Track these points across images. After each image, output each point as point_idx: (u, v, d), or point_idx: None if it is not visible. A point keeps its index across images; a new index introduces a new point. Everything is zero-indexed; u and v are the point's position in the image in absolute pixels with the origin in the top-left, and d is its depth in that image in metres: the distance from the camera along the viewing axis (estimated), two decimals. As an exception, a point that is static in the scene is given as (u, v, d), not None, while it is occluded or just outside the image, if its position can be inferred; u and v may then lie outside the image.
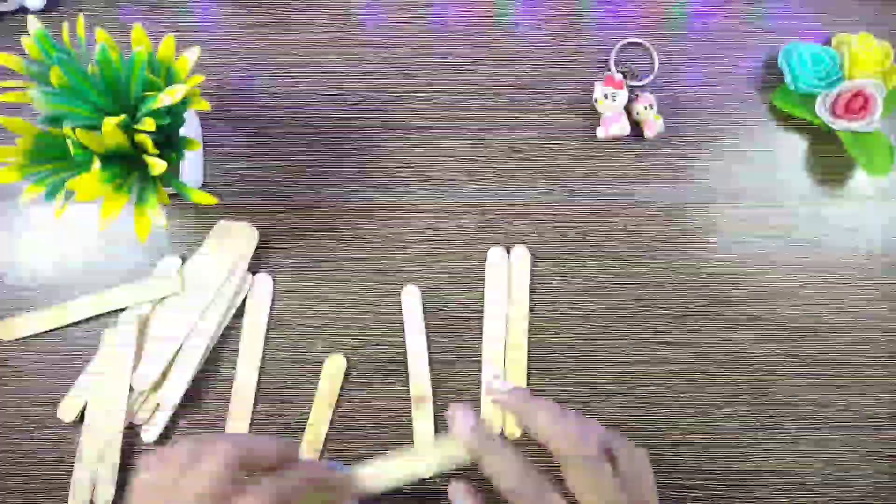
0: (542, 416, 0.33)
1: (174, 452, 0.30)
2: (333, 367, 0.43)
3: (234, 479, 0.28)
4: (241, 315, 0.44)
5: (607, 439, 0.33)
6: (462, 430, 0.34)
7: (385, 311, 0.44)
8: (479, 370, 0.44)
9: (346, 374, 0.44)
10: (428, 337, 0.44)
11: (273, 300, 0.44)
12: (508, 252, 0.45)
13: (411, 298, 0.44)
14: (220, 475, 0.28)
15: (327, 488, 0.33)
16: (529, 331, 0.44)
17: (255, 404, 0.44)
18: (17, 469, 0.43)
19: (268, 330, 0.44)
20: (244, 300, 0.44)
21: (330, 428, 0.43)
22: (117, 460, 0.42)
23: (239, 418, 0.43)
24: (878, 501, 0.44)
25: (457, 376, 0.44)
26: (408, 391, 0.44)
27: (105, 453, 0.42)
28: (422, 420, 0.43)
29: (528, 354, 0.44)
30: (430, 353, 0.44)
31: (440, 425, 0.43)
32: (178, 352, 0.43)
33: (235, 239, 0.44)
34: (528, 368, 0.44)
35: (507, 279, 0.44)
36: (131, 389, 0.42)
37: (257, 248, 0.44)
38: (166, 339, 0.43)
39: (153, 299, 0.44)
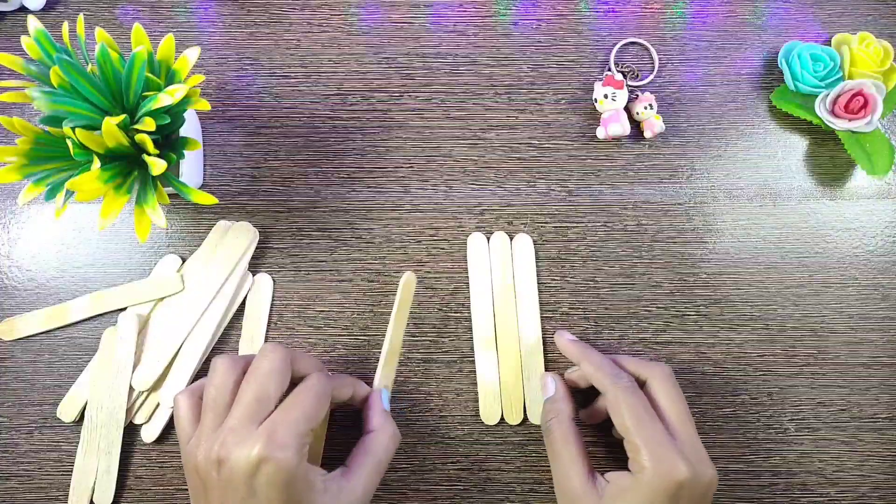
0: (586, 363, 0.40)
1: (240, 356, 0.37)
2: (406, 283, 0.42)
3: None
4: (242, 315, 0.44)
5: (639, 371, 0.39)
6: (563, 342, 0.42)
7: (385, 310, 0.44)
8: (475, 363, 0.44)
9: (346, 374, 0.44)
10: (428, 336, 0.44)
11: (273, 300, 0.44)
12: (511, 239, 0.45)
13: (407, 284, 0.42)
14: (280, 370, 0.34)
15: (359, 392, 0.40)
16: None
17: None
18: (17, 469, 0.43)
19: (267, 330, 0.44)
20: (244, 300, 0.44)
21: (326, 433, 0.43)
22: (117, 460, 0.42)
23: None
24: (878, 501, 0.44)
25: (456, 375, 0.44)
26: (409, 391, 0.44)
27: (105, 453, 0.42)
28: (486, 364, 0.44)
29: (544, 346, 0.44)
30: (429, 353, 0.44)
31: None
32: (178, 352, 0.43)
33: (235, 238, 0.44)
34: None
35: (491, 264, 0.44)
36: (131, 389, 0.42)
37: (257, 247, 0.44)
38: (166, 339, 0.43)
39: (154, 299, 0.44)
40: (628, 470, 0.36)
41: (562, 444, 0.38)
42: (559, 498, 0.38)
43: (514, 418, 0.43)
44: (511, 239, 0.45)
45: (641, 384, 0.39)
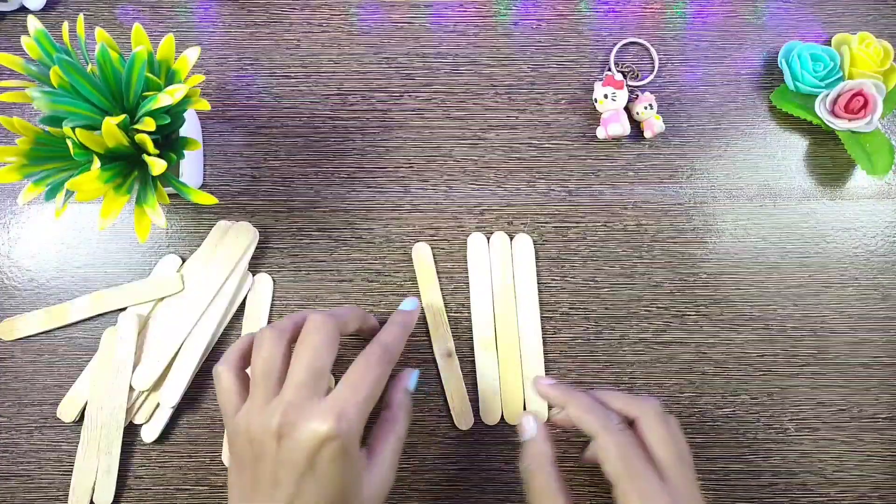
0: (573, 407, 0.37)
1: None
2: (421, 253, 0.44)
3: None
4: (242, 315, 0.44)
5: (628, 409, 0.37)
6: (543, 388, 0.40)
7: (385, 310, 0.44)
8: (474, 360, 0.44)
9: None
10: (428, 335, 0.44)
11: (273, 300, 0.44)
12: (511, 239, 0.45)
13: (423, 254, 0.44)
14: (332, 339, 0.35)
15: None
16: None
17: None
18: (17, 469, 0.43)
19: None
20: (244, 300, 0.44)
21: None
22: (117, 460, 0.42)
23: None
24: (878, 501, 0.44)
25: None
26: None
27: (105, 453, 0.42)
28: (450, 372, 0.44)
29: (543, 345, 0.44)
30: (429, 353, 0.44)
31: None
32: (178, 352, 0.43)
33: (236, 238, 0.44)
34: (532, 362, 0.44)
35: (491, 264, 0.44)
36: (131, 389, 0.42)
37: (257, 247, 0.44)
38: (166, 339, 0.43)
39: (154, 299, 0.44)
40: None
41: (544, 491, 0.36)
42: None
43: (513, 418, 0.43)
44: (511, 239, 0.45)
45: (630, 422, 0.37)
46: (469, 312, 0.44)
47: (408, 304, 0.42)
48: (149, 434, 0.42)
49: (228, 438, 0.36)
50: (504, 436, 0.44)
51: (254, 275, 0.44)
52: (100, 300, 0.44)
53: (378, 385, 0.34)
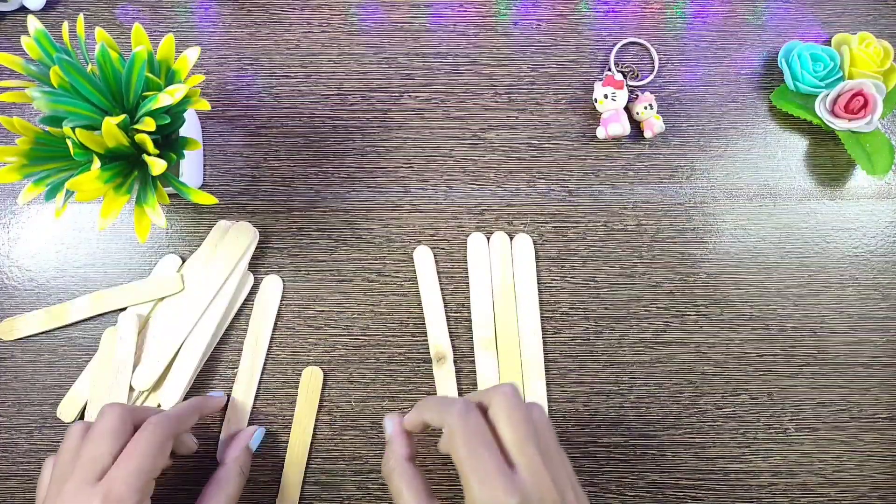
0: (417, 410, 0.37)
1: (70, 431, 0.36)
2: (310, 379, 0.44)
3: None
4: (241, 315, 0.44)
5: (481, 399, 0.34)
6: (393, 423, 0.38)
7: (385, 310, 0.44)
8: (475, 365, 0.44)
9: (347, 375, 0.44)
10: (424, 338, 0.44)
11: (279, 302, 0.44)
12: (511, 238, 0.45)
13: (424, 258, 0.44)
14: (115, 429, 0.35)
15: (207, 407, 0.41)
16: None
17: (255, 404, 0.44)
18: (17, 469, 0.43)
19: (274, 331, 0.44)
20: (246, 300, 0.44)
21: (318, 431, 0.43)
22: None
23: (236, 421, 0.43)
24: (878, 501, 0.44)
25: (457, 375, 0.44)
26: (408, 391, 0.44)
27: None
28: (443, 378, 0.43)
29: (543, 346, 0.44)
30: (429, 353, 0.44)
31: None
32: (178, 352, 0.43)
33: (236, 238, 0.44)
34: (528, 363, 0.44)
35: (491, 264, 0.44)
36: (131, 389, 0.42)
37: (257, 248, 0.44)
38: (166, 340, 0.43)
39: (154, 299, 0.44)
40: None
41: (402, 486, 0.35)
42: None
43: None
44: (511, 239, 0.45)
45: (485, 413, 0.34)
46: (469, 312, 0.44)
47: (216, 393, 0.43)
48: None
49: None
50: (504, 436, 0.44)
51: (256, 275, 0.44)
52: (100, 300, 0.44)
53: (151, 454, 0.34)
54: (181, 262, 0.44)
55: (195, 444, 0.40)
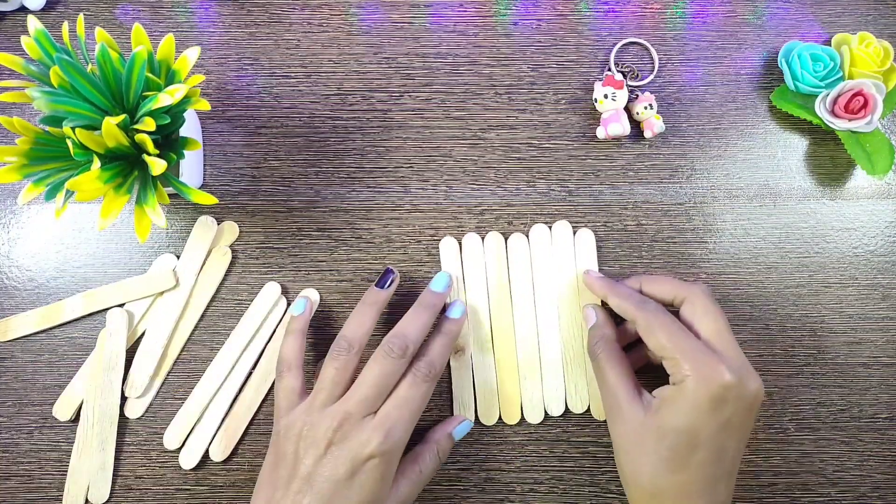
0: (613, 297, 0.40)
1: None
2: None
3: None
4: (239, 318, 0.44)
5: (675, 293, 0.39)
6: (590, 279, 0.43)
7: (385, 310, 0.44)
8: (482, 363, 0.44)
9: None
10: (428, 336, 0.44)
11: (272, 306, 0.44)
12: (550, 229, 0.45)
13: (449, 248, 0.45)
14: (394, 371, 0.37)
15: (458, 334, 0.42)
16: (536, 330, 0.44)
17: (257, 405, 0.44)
18: (17, 469, 0.43)
19: (271, 338, 0.44)
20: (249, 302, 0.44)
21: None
22: (112, 457, 0.42)
23: (236, 424, 0.43)
24: (878, 501, 0.44)
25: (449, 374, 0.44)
26: (408, 391, 0.44)
27: (99, 450, 0.42)
28: (459, 368, 0.44)
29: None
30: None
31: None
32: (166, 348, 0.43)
33: (210, 233, 0.44)
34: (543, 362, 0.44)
35: (486, 264, 0.44)
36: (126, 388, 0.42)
37: (257, 248, 0.44)
38: (156, 338, 0.43)
39: (147, 295, 0.43)
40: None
41: (608, 366, 0.38)
42: (609, 419, 0.38)
43: (511, 418, 0.43)
44: (574, 233, 0.45)
45: (678, 306, 0.39)
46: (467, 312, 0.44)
47: (456, 310, 0.42)
48: (187, 461, 0.43)
49: (276, 434, 0.37)
50: (504, 436, 0.44)
51: (257, 276, 0.44)
52: (92, 298, 0.44)
53: (423, 402, 0.37)
54: (177, 260, 0.44)
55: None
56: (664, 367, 0.36)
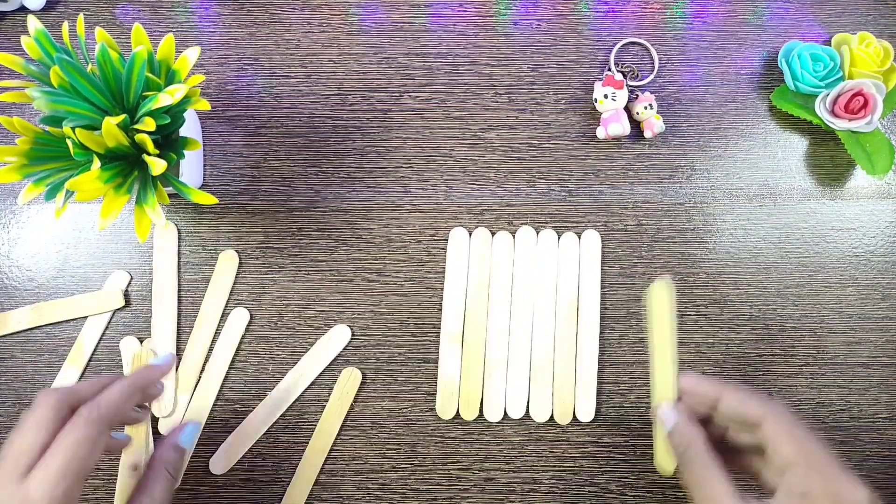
0: (730, 396, 0.36)
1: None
2: (348, 380, 0.44)
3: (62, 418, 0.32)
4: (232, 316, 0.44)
5: (749, 411, 0.35)
6: (692, 383, 0.37)
7: (385, 310, 0.44)
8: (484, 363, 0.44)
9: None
10: (429, 336, 0.44)
11: (274, 301, 0.44)
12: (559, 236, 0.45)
13: (459, 240, 0.44)
14: (45, 418, 0.31)
15: (151, 381, 0.37)
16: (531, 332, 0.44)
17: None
18: (18, 469, 0.43)
19: (270, 329, 0.44)
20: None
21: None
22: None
23: (240, 441, 0.43)
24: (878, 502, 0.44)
25: (424, 367, 0.44)
26: (409, 391, 0.44)
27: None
28: (450, 359, 0.44)
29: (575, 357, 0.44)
30: (429, 353, 0.44)
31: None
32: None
33: (234, 265, 0.44)
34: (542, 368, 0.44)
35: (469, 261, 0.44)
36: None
37: (257, 248, 0.44)
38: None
39: (94, 313, 0.44)
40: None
41: (704, 470, 0.34)
42: None
43: (469, 414, 0.43)
44: (579, 236, 0.45)
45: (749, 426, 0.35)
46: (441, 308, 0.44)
47: (159, 358, 0.39)
48: (218, 467, 0.43)
49: None
50: (504, 435, 0.44)
51: (250, 270, 0.44)
52: (38, 312, 0.44)
53: (79, 449, 0.31)
54: (129, 278, 0.44)
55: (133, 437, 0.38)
56: (764, 472, 0.35)
